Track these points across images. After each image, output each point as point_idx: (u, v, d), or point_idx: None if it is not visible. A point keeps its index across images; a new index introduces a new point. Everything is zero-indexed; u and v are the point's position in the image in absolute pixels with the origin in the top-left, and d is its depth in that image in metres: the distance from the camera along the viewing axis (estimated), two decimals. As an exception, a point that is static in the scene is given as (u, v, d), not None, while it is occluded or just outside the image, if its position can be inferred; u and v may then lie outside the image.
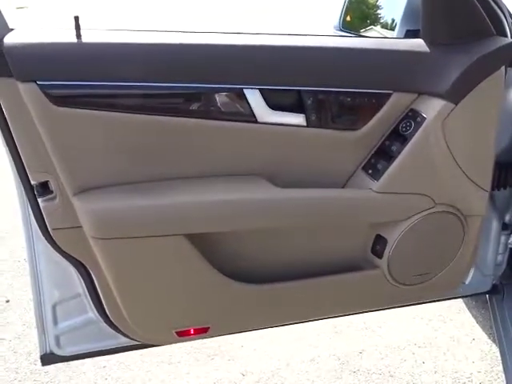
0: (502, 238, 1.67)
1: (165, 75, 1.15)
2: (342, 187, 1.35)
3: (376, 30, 1.95)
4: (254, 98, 1.20)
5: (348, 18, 1.79)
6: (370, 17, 2.12)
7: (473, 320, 2.21)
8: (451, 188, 1.37)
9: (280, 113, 1.23)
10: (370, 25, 2.02)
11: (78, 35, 1.13)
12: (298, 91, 1.22)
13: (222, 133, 1.22)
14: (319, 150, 1.29)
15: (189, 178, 1.23)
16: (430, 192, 1.34)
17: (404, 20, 1.41)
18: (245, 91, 1.19)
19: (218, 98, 1.21)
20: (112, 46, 1.14)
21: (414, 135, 1.27)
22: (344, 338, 2.14)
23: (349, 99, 1.27)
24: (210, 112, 1.22)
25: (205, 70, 1.17)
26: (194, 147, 1.21)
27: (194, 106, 1.21)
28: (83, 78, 1.10)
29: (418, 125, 1.27)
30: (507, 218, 1.66)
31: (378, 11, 2.17)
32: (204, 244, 1.25)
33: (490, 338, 2.09)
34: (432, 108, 1.27)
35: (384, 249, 1.38)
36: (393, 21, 1.84)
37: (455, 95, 1.26)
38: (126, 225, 1.17)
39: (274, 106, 1.22)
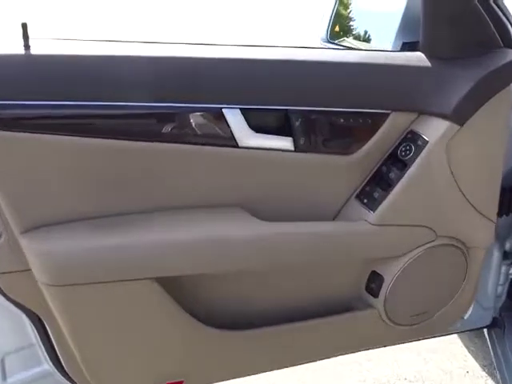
0: (503, 268, 1.54)
1: (129, 92, 0.98)
2: (334, 218, 1.19)
3: (348, 42, 1.82)
4: (234, 118, 1.03)
5: (337, 29, 1.65)
6: (345, 28, 1.99)
7: (465, 350, 2.07)
8: (454, 218, 1.22)
9: (264, 136, 1.07)
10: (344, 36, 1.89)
11: (26, 46, 0.95)
12: (285, 111, 1.07)
13: (197, 159, 1.05)
14: (308, 178, 1.13)
15: (159, 211, 1.06)
16: (432, 223, 1.20)
17: (400, 31, 1.27)
18: (224, 111, 1.03)
19: (192, 119, 1.04)
20: (66, 58, 0.97)
21: (414, 160, 1.13)
22: (330, 372, 1.97)
23: (342, 120, 1.11)
24: (182, 135, 1.05)
25: (176, 87, 1.01)
26: (165, 175, 1.04)
27: (164, 128, 1.03)
28: (30, 96, 0.92)
29: (419, 149, 1.13)
30: (508, 246, 1.53)
31: (351, 22, 2.05)
32: (177, 287, 1.08)
33: (484, 371, 1.95)
34: (434, 129, 1.13)
35: (380, 287, 1.22)
36: (365, 32, 1.71)
37: (461, 115, 1.12)
38: (83, 269, 0.99)
39: (258, 127, 1.06)
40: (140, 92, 0.99)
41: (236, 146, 1.05)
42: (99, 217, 1.02)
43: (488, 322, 1.57)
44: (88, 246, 0.99)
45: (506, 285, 1.57)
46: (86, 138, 0.96)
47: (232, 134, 1.04)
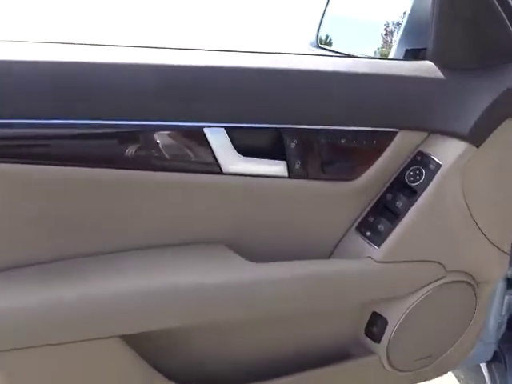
0: (506, 298, 1.40)
1: (85, 108, 0.79)
2: (331, 253, 1.02)
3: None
4: (217, 140, 0.86)
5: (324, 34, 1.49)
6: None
7: (456, 382, 1.94)
8: (466, 251, 1.07)
9: (253, 160, 0.89)
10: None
11: None
12: (278, 130, 0.89)
13: (173, 188, 0.86)
14: (304, 208, 0.96)
15: (125, 251, 0.87)
16: (442, 258, 1.04)
17: (404, 37, 1.11)
18: (205, 131, 0.84)
19: (166, 141, 0.85)
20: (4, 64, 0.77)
21: (426, 186, 0.97)
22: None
23: (343, 141, 0.94)
24: (153, 160, 0.86)
25: (146, 102, 0.82)
26: (133, 209, 0.85)
27: (130, 152, 0.84)
28: None
29: (431, 173, 0.97)
30: (510, 273, 1.39)
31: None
32: (146, 344, 0.89)
33: (476, 402, 1.82)
34: (448, 151, 0.97)
35: (383, 331, 1.06)
36: (327, 37, 1.56)
37: (478, 135, 0.97)
38: (23, 330, 0.79)
39: (245, 150, 0.88)
40: (101, 107, 0.79)
41: (220, 172, 0.87)
42: (46, 262, 0.82)
43: (489, 357, 1.43)
44: (28, 299, 0.79)
45: (506, 316, 1.44)
46: (30, 166, 0.76)
47: (215, 157, 0.86)
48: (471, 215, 1.02)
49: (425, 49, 1.05)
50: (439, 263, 1.04)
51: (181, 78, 0.85)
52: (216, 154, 0.86)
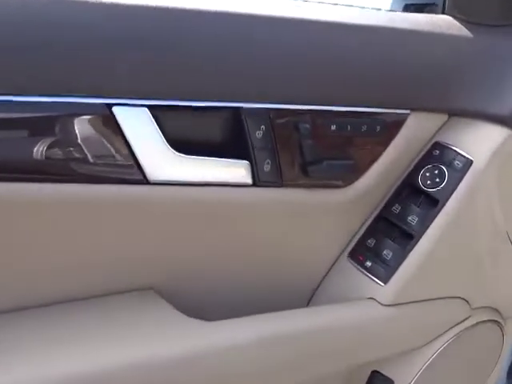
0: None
1: None
2: (313, 295, 0.71)
3: None
4: (136, 127, 0.52)
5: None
6: None
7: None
8: (495, 281, 0.78)
9: (196, 160, 0.56)
10: None
11: None
12: (234, 112, 0.57)
13: (73, 208, 0.52)
14: (276, 229, 0.64)
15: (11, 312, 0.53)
16: (467, 292, 0.75)
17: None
18: (114, 111, 0.51)
19: (45, 128, 0.51)
20: None
21: (450, 194, 0.66)
22: None
23: (332, 128, 0.62)
24: (30, 164, 0.51)
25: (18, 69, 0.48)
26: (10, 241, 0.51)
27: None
28: None
29: (457, 174, 0.67)
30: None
31: None
32: None
33: None
34: (481, 142, 0.67)
35: None
36: None
37: None
38: None
39: (183, 144, 0.55)
40: None
41: (143, 180, 0.54)
42: None
43: None
44: None
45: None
46: None
47: (134, 157, 0.52)
48: (507, 233, 0.73)
49: (431, 4, 0.76)
50: (463, 299, 0.74)
51: (74, 27, 0.51)
52: (135, 152, 0.52)
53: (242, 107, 0.56)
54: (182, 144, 0.55)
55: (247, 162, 0.58)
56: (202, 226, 0.59)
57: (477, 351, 0.82)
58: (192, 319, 0.58)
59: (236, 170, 0.58)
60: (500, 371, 0.94)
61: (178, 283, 0.61)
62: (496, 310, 0.81)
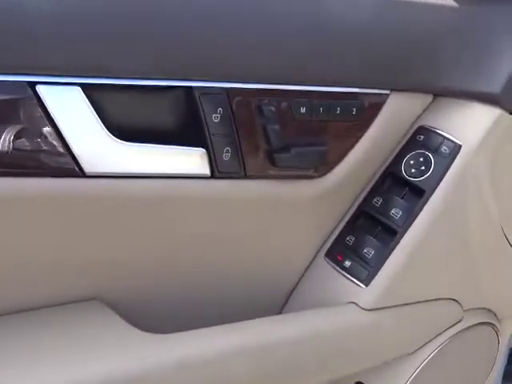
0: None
1: None
2: (287, 302, 0.64)
3: None
4: (67, 110, 0.44)
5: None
6: None
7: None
8: (489, 280, 0.71)
9: (142, 148, 0.48)
10: None
11: None
12: (187, 91, 0.49)
13: None
14: (240, 226, 0.56)
15: None
16: (459, 292, 0.67)
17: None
18: (39, 90, 0.43)
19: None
20: None
21: (436, 183, 0.59)
22: None
23: (301, 110, 0.55)
24: None
25: None
26: None
27: None
28: None
29: (445, 161, 0.59)
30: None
31: None
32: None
33: None
34: (469, 124, 0.60)
35: None
36: None
37: None
38: None
39: (126, 129, 0.47)
40: None
41: (78, 172, 0.46)
42: None
43: None
44: None
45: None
46: None
47: (66, 145, 0.45)
48: (501, 226, 0.66)
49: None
50: (455, 301, 0.67)
51: None
52: (67, 139, 0.44)
53: (194, 86, 0.49)
54: (124, 130, 0.47)
55: (203, 149, 0.50)
56: (150, 226, 0.51)
57: (470, 356, 0.75)
58: (144, 332, 0.50)
59: (190, 160, 0.50)
60: (495, 375, 0.87)
61: (126, 291, 0.53)
62: (490, 311, 0.74)
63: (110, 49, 0.45)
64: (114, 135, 0.46)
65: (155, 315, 0.54)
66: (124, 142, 0.47)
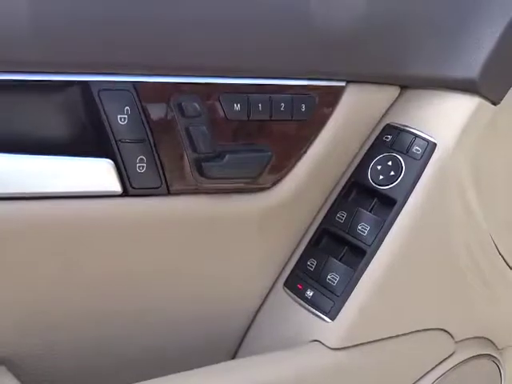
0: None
1: None
2: (241, 344, 0.53)
3: None
4: None
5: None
6: None
7: None
8: (482, 303, 0.60)
9: (26, 160, 0.38)
10: None
11: None
12: (84, 88, 0.39)
13: None
14: (165, 259, 0.46)
15: None
16: (446, 321, 0.57)
17: None
18: None
19: None
20: None
21: (409, 191, 0.49)
22: None
23: (234, 108, 0.45)
24: None
25: None
26: None
27: None
28: None
29: (417, 164, 0.49)
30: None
31: None
32: None
33: None
34: (445, 117, 0.50)
35: None
36: None
37: (493, 83, 0.51)
38: None
39: (6, 139, 0.37)
40: None
41: None
42: None
43: None
44: None
45: None
46: None
47: None
48: (490, 235, 0.55)
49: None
50: (444, 331, 0.56)
51: None
52: None
53: (92, 81, 0.39)
54: (4, 139, 0.37)
55: (109, 160, 0.40)
56: (48, 260, 0.40)
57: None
58: None
59: (94, 174, 0.40)
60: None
61: (36, 351, 0.42)
62: (488, 341, 0.63)
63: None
64: None
65: (74, 377, 0.43)
66: (4, 154, 0.37)
